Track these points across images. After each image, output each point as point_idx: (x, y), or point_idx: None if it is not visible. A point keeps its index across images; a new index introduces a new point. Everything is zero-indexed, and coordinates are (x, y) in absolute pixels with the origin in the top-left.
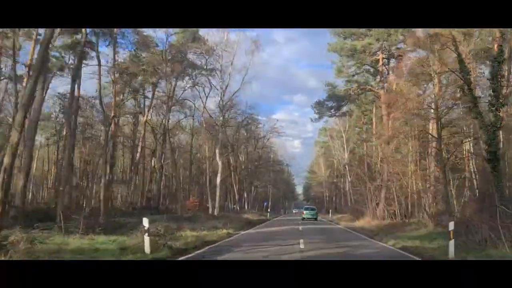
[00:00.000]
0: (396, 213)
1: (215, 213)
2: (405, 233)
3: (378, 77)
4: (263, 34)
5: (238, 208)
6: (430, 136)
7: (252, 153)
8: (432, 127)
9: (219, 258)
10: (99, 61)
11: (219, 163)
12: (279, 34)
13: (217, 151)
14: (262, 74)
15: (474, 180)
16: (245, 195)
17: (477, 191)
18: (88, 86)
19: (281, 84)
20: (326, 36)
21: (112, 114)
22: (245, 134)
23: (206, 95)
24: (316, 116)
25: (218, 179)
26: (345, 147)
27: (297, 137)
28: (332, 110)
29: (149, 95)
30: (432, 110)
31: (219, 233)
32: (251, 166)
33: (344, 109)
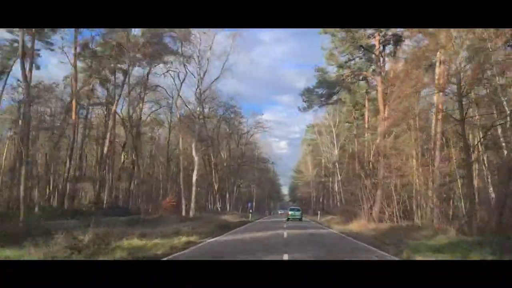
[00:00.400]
0: (395, 214)
1: (191, 214)
2: (421, 241)
3: (374, 63)
4: (250, 34)
5: (219, 208)
6: (438, 122)
7: (235, 150)
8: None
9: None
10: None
11: (196, 158)
12: (266, 34)
13: (193, 145)
14: (250, 74)
15: (488, 178)
16: (227, 195)
17: (491, 190)
18: (55, 73)
19: (269, 85)
20: (315, 37)
21: (70, 99)
22: (227, 129)
23: (181, 81)
24: (305, 105)
25: (194, 177)
26: (335, 143)
27: (284, 138)
28: (322, 99)
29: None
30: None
31: (175, 242)
32: (234, 164)
33: (335, 98)
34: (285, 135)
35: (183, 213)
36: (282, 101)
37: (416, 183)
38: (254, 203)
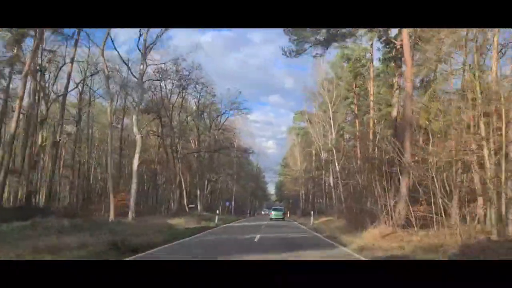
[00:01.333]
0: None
1: (130, 217)
2: None
3: None
4: (240, 34)
5: (187, 209)
6: None
7: (207, 137)
8: None
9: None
10: None
11: (137, 137)
12: (256, 34)
13: (133, 117)
14: (238, 74)
15: None
16: (198, 192)
17: None
18: None
19: (258, 85)
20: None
21: None
22: (201, 115)
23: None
24: (293, 46)
25: (135, 164)
26: (332, 124)
27: (272, 137)
28: (318, 36)
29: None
30: None
31: None
32: (205, 153)
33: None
34: (273, 135)
35: (111, 216)
36: (271, 101)
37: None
38: (233, 202)
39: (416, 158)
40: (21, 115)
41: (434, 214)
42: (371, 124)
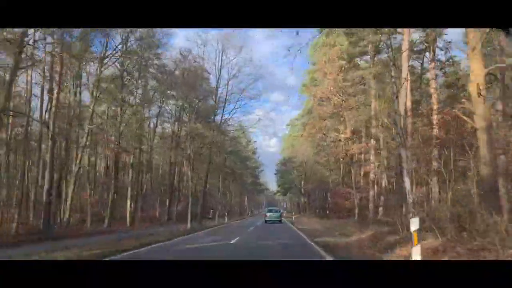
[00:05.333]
0: None
1: None
2: None
3: None
4: (241, 30)
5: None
6: None
7: None
8: None
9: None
10: None
11: None
12: (257, 30)
13: None
14: (240, 71)
15: None
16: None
17: None
18: None
19: (259, 81)
20: (305, 33)
21: None
22: None
23: None
24: None
25: None
26: None
27: (274, 135)
28: None
29: None
30: None
31: None
32: None
33: None
34: (275, 132)
35: None
36: (273, 99)
37: None
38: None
39: None
40: None
41: None
42: None
